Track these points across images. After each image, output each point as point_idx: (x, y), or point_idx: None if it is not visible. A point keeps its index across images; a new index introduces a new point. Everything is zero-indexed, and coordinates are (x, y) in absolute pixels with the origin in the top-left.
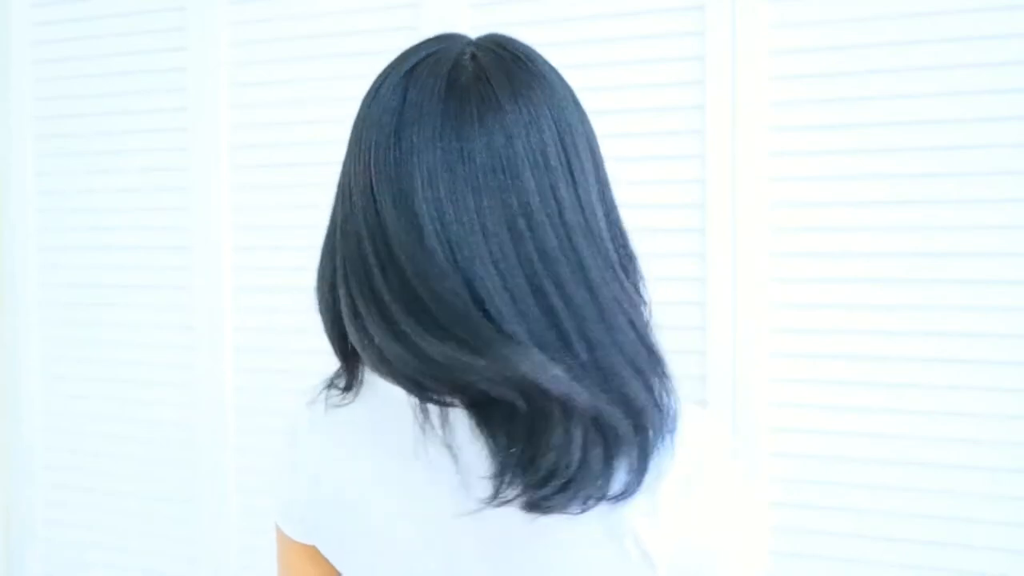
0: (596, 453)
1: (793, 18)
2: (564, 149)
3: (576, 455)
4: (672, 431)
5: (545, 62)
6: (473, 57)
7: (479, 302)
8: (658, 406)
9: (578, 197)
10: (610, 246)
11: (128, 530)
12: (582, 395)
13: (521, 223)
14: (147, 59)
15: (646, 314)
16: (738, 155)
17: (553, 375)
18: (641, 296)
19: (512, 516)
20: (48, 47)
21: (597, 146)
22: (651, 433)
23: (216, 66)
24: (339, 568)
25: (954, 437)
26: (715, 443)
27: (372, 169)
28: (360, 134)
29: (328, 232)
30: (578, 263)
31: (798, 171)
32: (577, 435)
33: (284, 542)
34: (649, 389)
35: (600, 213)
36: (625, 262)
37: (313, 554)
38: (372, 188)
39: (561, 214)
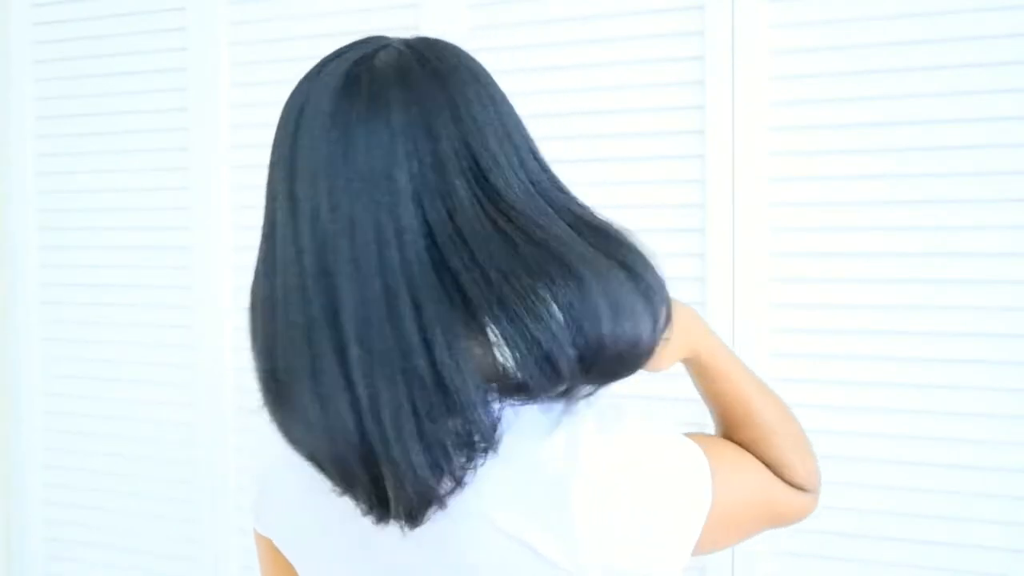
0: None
1: (793, 18)
2: (455, 152)
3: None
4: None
5: (459, 63)
6: (374, 57)
7: (333, 315)
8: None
9: (458, 202)
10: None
11: (128, 530)
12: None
13: (389, 228)
14: (147, 59)
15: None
16: (738, 155)
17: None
18: (508, 310)
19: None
20: (48, 47)
21: (526, 151)
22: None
23: (216, 66)
24: (292, 562)
25: (954, 437)
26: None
27: (275, 169)
28: (275, 133)
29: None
30: (443, 273)
31: (798, 171)
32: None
33: (255, 535)
34: (459, 411)
35: (492, 220)
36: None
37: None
38: (272, 190)
39: (426, 218)
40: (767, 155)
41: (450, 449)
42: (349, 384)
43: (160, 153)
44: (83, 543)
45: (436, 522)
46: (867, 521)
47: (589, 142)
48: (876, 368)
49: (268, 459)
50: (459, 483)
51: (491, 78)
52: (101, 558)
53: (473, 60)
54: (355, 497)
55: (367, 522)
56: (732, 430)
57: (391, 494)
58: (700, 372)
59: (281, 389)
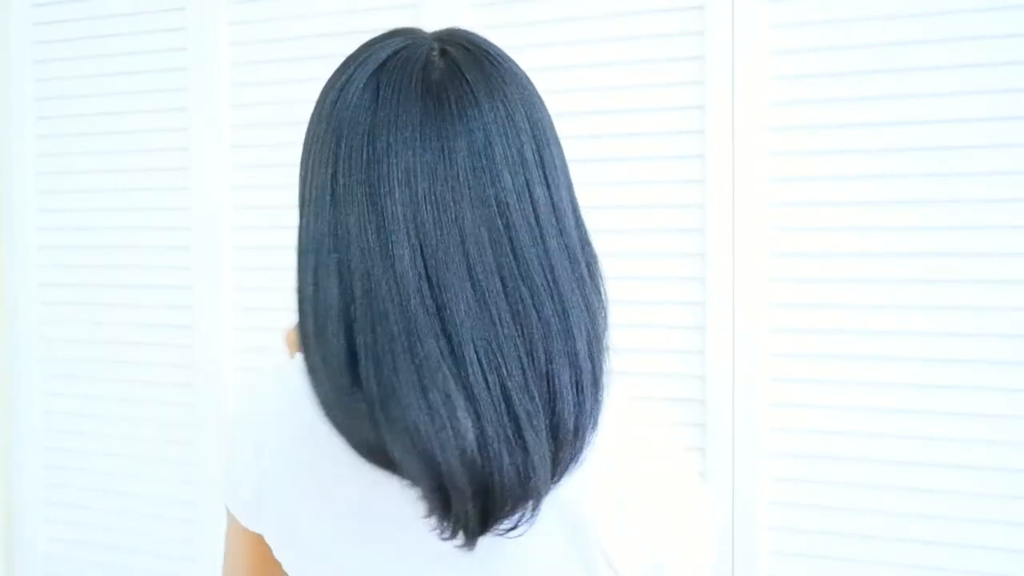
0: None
1: (793, 18)
2: (538, 148)
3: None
4: (590, 444)
5: (511, 59)
6: (443, 53)
7: (438, 311)
8: (580, 427)
9: (551, 197)
10: (578, 247)
11: (128, 530)
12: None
13: (499, 224)
14: (147, 59)
15: (603, 320)
16: (738, 155)
17: (453, 451)
18: (602, 297)
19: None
20: (48, 47)
21: (561, 147)
22: (567, 452)
23: (216, 66)
24: (279, 558)
25: (954, 437)
26: (652, 451)
27: (340, 174)
28: (325, 136)
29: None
30: (550, 267)
31: (798, 171)
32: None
33: (234, 528)
34: (580, 407)
35: (570, 214)
36: (591, 262)
37: (260, 542)
38: (337, 195)
39: (536, 215)
40: (767, 155)
41: (549, 448)
42: (466, 386)
43: (160, 153)
44: (83, 543)
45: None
46: (867, 521)
47: (589, 142)
48: (876, 368)
49: (265, 458)
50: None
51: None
52: (101, 558)
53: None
54: (441, 514)
55: (411, 527)
56: None
57: (487, 504)
58: None
59: (377, 403)
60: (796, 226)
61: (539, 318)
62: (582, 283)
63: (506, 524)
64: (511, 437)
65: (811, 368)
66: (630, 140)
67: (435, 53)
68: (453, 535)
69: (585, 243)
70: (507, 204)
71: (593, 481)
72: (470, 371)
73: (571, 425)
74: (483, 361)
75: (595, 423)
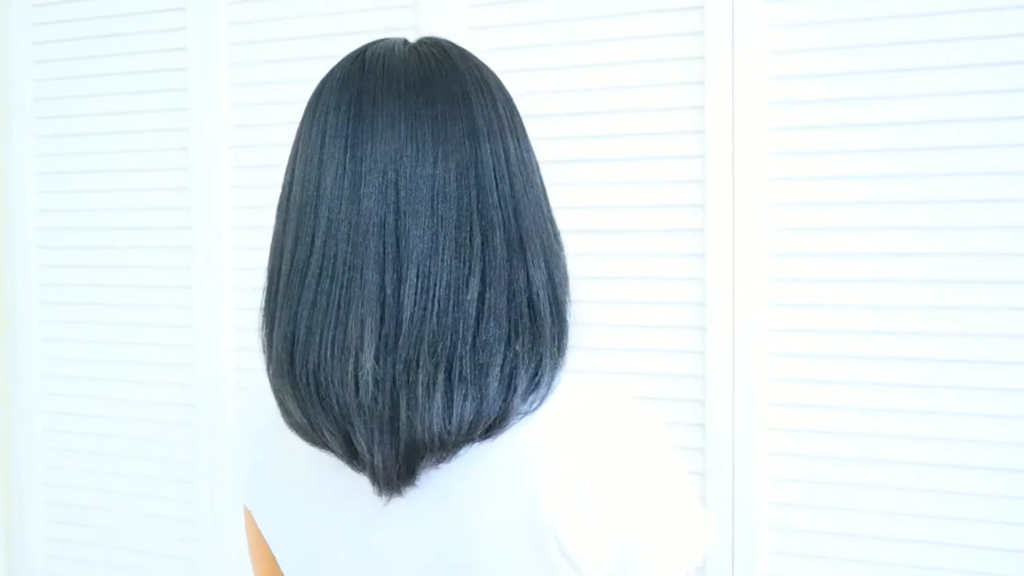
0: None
1: (793, 18)
2: (509, 110)
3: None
4: (557, 378)
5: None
6: (418, 42)
7: (397, 241)
8: (537, 353)
9: (521, 150)
10: (543, 199)
11: (128, 530)
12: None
13: (468, 159)
14: (147, 59)
15: (564, 268)
16: (738, 155)
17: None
18: (563, 248)
19: (424, 514)
20: (48, 47)
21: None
22: (517, 377)
23: (216, 66)
24: (266, 538)
25: (954, 437)
26: (634, 446)
27: (327, 140)
28: (314, 117)
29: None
30: (513, 204)
31: (798, 171)
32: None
33: (245, 511)
34: (536, 334)
35: (537, 173)
36: (552, 216)
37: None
38: (324, 158)
39: (507, 159)
40: (767, 155)
41: (470, 392)
42: (397, 313)
43: (160, 153)
44: (83, 543)
45: (446, 500)
46: (867, 521)
47: (589, 142)
48: (875, 368)
49: (251, 442)
50: (464, 436)
51: None
52: (101, 558)
53: None
54: (357, 463)
55: (367, 506)
56: None
57: (397, 445)
58: None
59: (301, 343)
60: (796, 226)
61: (485, 244)
62: (545, 230)
63: (430, 462)
64: (419, 367)
65: (811, 368)
66: (630, 140)
67: (410, 43)
68: (378, 485)
69: (548, 204)
70: (479, 144)
71: (552, 455)
72: (406, 291)
73: (513, 352)
74: (419, 283)
75: (560, 352)
